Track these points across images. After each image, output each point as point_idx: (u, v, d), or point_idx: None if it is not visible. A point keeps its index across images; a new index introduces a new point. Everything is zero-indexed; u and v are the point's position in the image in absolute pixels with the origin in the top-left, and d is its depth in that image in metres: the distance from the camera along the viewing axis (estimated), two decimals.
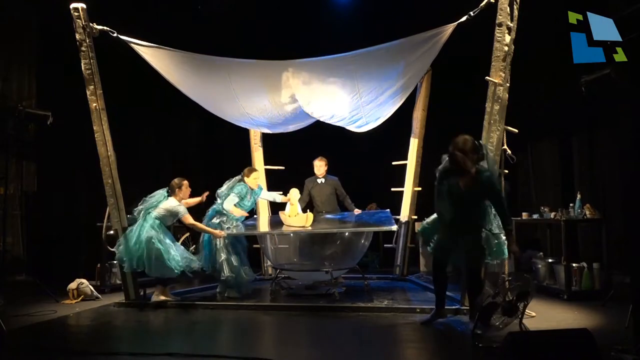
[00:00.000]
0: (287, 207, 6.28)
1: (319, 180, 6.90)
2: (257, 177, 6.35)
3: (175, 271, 5.57)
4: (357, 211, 6.89)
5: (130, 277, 5.70)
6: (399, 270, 7.41)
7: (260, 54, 6.13)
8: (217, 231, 5.81)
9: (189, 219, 5.81)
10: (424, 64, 5.68)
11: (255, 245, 7.25)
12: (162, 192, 5.91)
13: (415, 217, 7.40)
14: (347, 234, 6.10)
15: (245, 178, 6.20)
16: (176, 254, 5.63)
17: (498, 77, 4.89)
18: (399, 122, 6.57)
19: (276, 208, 7.08)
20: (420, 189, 7.43)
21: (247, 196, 6.17)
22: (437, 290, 4.75)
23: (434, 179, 4.69)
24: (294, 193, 6.33)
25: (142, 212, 5.75)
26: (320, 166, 6.88)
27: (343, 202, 7.02)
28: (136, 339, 4.62)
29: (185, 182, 5.96)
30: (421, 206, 7.28)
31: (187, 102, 6.29)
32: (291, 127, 6.96)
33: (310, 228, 5.89)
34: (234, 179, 6.25)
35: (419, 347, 4.13)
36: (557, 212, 6.06)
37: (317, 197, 6.91)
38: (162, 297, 5.74)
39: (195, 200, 6.29)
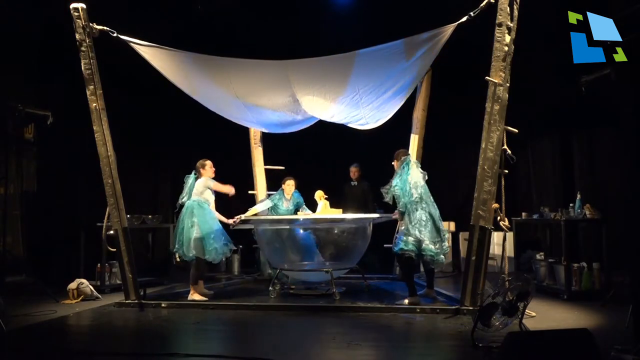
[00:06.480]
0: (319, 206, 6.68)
1: (352, 183, 7.74)
2: (290, 184, 6.83)
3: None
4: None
5: (130, 277, 5.69)
6: (399, 270, 7.39)
7: (260, 54, 6.12)
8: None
9: None
10: (424, 64, 5.66)
11: (254, 246, 7.24)
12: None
13: None
14: (345, 234, 6.17)
15: (283, 185, 6.85)
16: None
17: (498, 77, 4.88)
18: (399, 122, 6.57)
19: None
20: None
21: (281, 203, 6.72)
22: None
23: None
24: (318, 194, 6.77)
25: None
26: (354, 172, 7.72)
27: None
28: (136, 339, 4.63)
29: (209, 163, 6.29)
30: None
31: (187, 102, 6.28)
32: (291, 127, 6.95)
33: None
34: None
35: (419, 347, 4.14)
36: (557, 212, 6.06)
37: (349, 199, 7.57)
38: (197, 297, 5.78)
39: (225, 188, 6.21)
